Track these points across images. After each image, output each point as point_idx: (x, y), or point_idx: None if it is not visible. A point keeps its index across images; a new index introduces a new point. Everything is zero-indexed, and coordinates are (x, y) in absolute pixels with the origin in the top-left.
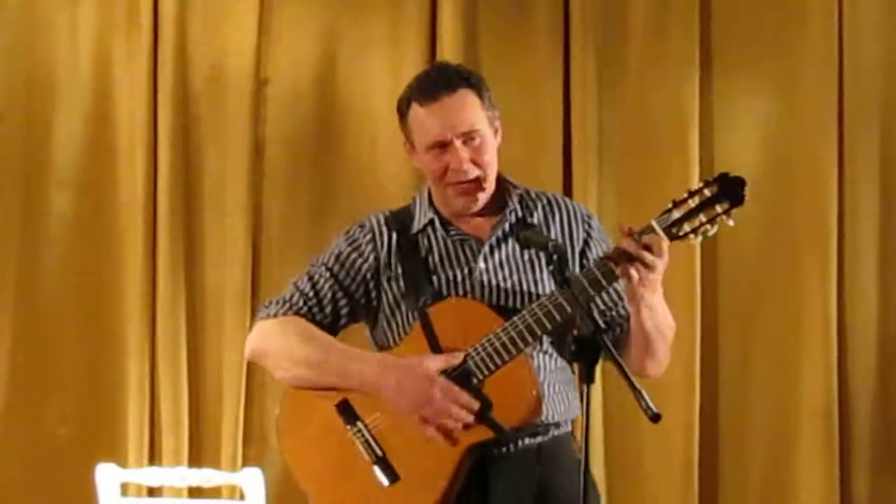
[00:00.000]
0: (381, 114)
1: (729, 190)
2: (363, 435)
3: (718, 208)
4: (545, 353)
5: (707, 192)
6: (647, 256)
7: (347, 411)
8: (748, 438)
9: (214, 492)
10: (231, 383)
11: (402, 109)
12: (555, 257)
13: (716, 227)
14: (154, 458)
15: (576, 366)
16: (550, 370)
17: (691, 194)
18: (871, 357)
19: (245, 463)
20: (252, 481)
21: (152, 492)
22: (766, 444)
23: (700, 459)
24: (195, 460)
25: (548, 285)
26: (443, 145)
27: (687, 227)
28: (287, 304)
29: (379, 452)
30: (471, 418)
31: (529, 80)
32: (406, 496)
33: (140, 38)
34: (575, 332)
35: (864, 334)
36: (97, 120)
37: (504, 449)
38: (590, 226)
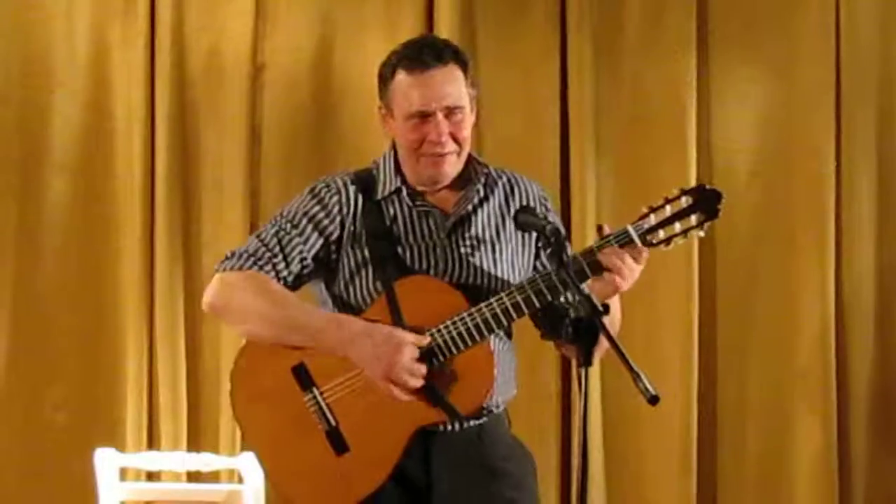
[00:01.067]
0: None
1: (704, 202)
2: (318, 402)
3: (693, 220)
4: (496, 335)
5: (683, 202)
6: (633, 265)
7: (304, 376)
8: (746, 420)
9: (213, 476)
10: (229, 367)
11: (386, 75)
12: (552, 239)
13: (686, 239)
14: (153, 442)
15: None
16: (500, 352)
17: (668, 201)
18: (868, 338)
19: (243, 447)
20: (250, 465)
21: (151, 476)
22: (763, 426)
23: (698, 440)
24: (194, 445)
25: (506, 267)
26: (424, 116)
27: (661, 235)
28: (252, 259)
29: (333, 422)
30: (420, 383)
31: (526, 61)
32: (354, 468)
33: (137, 22)
34: (572, 315)
35: (862, 315)
36: (94, 105)
37: (449, 427)
38: (546, 207)
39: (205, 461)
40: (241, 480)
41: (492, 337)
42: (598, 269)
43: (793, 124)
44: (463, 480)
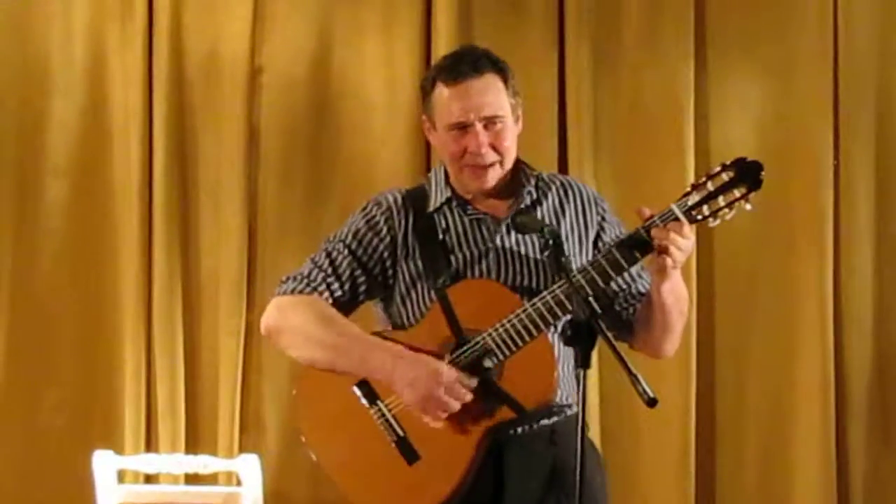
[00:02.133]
0: (376, 101)
1: (746, 174)
2: (384, 415)
3: (736, 192)
4: (558, 334)
5: (724, 177)
6: (679, 241)
7: (368, 391)
8: (745, 423)
9: (211, 478)
10: (227, 370)
11: (427, 88)
12: (551, 241)
13: (734, 212)
14: (151, 444)
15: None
16: (564, 352)
17: (709, 177)
18: (867, 341)
19: (241, 449)
20: (249, 468)
21: (149, 478)
22: (762, 430)
23: (697, 444)
24: (192, 447)
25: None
26: (463, 127)
27: (706, 210)
28: (305, 281)
29: (400, 432)
30: (469, 397)
31: (524, 66)
32: (428, 476)
33: (134, 25)
34: (570, 317)
35: (861, 319)
36: (92, 108)
37: (520, 429)
38: (603, 209)
39: (203, 463)
40: (239, 483)
41: (554, 336)
42: (648, 248)
43: (791, 129)
44: (535, 484)
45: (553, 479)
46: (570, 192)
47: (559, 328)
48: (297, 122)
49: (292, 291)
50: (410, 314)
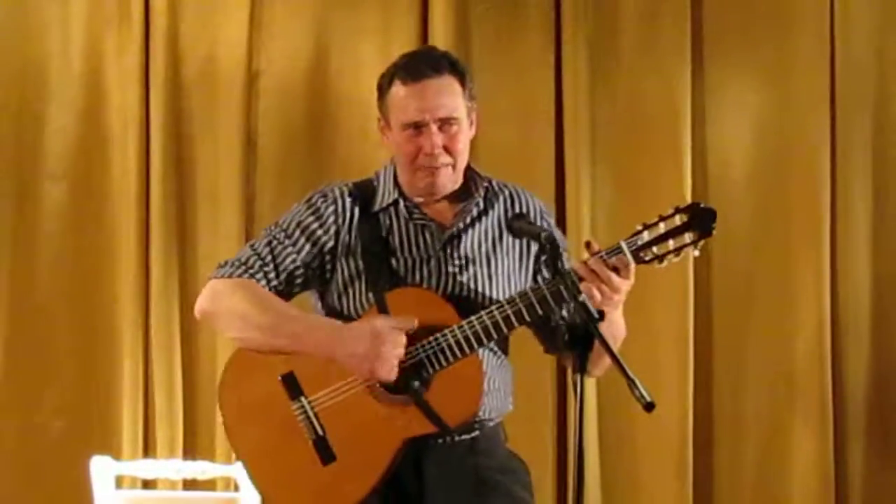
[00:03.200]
0: (373, 104)
1: (699, 220)
2: (305, 412)
3: (687, 238)
4: (490, 349)
5: (678, 220)
6: (615, 279)
7: (292, 385)
8: (742, 428)
9: (209, 484)
10: None
11: (384, 86)
12: (548, 247)
13: (680, 257)
14: (148, 450)
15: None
16: (493, 367)
17: (662, 219)
18: (864, 346)
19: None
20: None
21: (147, 484)
22: (759, 434)
23: (694, 448)
24: (190, 452)
25: (502, 282)
26: (418, 127)
27: (655, 251)
28: (243, 267)
29: (319, 431)
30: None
31: (521, 69)
32: (341, 478)
33: (131, 30)
34: (567, 322)
35: (858, 321)
36: (89, 113)
37: (440, 440)
38: (548, 223)
39: (201, 469)
40: (236, 488)
41: (484, 351)
42: (577, 290)
43: (788, 132)
44: (457, 494)
45: (478, 488)
46: (517, 203)
47: (561, 335)
48: (295, 126)
49: (229, 276)
50: (345, 310)
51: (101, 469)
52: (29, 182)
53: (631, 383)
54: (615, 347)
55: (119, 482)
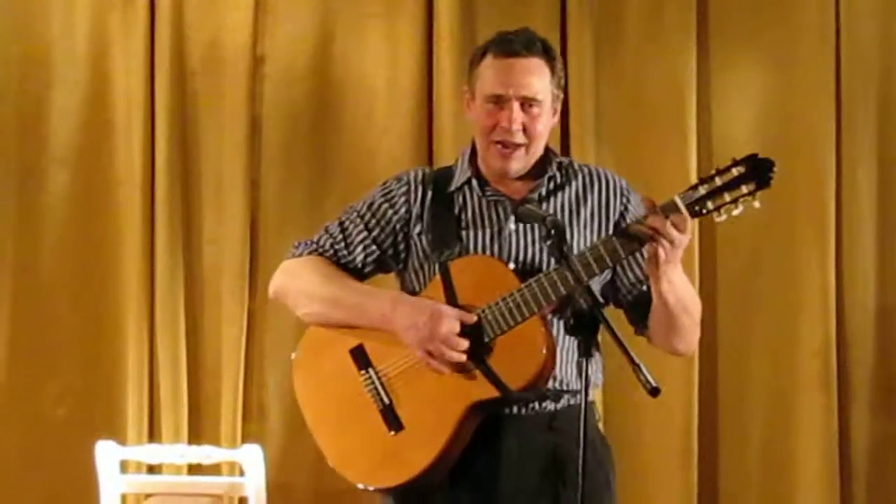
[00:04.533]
0: (378, 89)
1: (757, 171)
2: (373, 381)
3: (744, 189)
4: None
5: (734, 172)
6: (675, 234)
7: (361, 356)
8: (748, 411)
9: (214, 469)
10: (230, 360)
11: (475, 58)
12: (552, 232)
13: (740, 208)
14: (153, 435)
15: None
16: (565, 336)
17: (719, 172)
18: (869, 330)
19: (244, 440)
20: (251, 458)
21: (152, 469)
22: (765, 419)
23: (699, 433)
24: (194, 437)
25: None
26: (500, 101)
27: (710, 205)
28: (314, 246)
29: (386, 400)
30: (463, 357)
31: None
32: (409, 446)
33: (136, 15)
34: (573, 306)
35: (863, 308)
36: (94, 98)
37: (516, 409)
38: (628, 199)
39: (205, 454)
40: (241, 473)
41: (558, 321)
42: (631, 238)
43: (793, 117)
44: (532, 471)
45: (552, 467)
46: (595, 181)
47: (566, 319)
48: (299, 111)
49: (300, 255)
50: (420, 287)
51: (106, 454)
52: (33, 166)
53: (636, 368)
54: (689, 313)
55: (124, 467)
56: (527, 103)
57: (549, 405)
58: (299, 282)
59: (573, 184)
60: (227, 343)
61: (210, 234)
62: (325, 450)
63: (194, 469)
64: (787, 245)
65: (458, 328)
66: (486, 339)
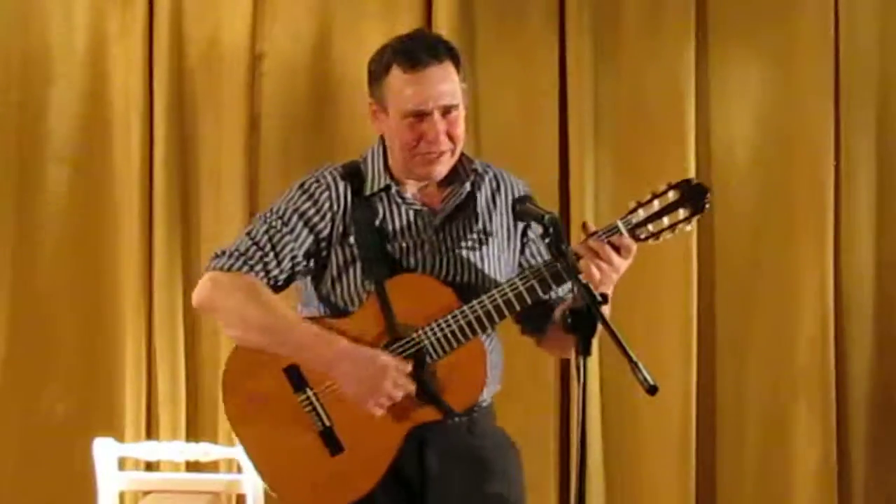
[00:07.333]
0: None
1: (691, 197)
2: (311, 403)
3: (681, 213)
4: (486, 333)
5: (670, 197)
6: (615, 258)
7: (296, 377)
8: (745, 409)
9: (212, 466)
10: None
11: (378, 71)
12: (551, 230)
13: (675, 233)
14: (151, 432)
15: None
16: (490, 350)
17: (655, 196)
18: (867, 328)
19: None
20: None
21: (150, 466)
22: (762, 418)
23: (697, 432)
24: (192, 434)
25: (493, 263)
26: (420, 115)
27: (651, 229)
28: (242, 258)
29: (327, 423)
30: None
31: (525, 53)
32: (350, 468)
33: (135, 13)
34: (570, 306)
35: (861, 306)
36: (93, 96)
37: (439, 423)
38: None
39: (203, 451)
40: (240, 470)
41: (482, 334)
42: (575, 271)
43: (792, 116)
44: (455, 473)
45: (477, 469)
46: (501, 185)
47: (564, 317)
48: (298, 109)
49: (229, 268)
50: (340, 298)
51: (105, 451)
52: (32, 164)
53: (634, 366)
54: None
55: (122, 464)
56: (446, 110)
57: (474, 412)
58: (233, 301)
59: (483, 189)
60: (225, 340)
61: (208, 231)
62: (259, 469)
63: (192, 466)
64: (785, 244)
65: (402, 379)
66: (429, 361)
